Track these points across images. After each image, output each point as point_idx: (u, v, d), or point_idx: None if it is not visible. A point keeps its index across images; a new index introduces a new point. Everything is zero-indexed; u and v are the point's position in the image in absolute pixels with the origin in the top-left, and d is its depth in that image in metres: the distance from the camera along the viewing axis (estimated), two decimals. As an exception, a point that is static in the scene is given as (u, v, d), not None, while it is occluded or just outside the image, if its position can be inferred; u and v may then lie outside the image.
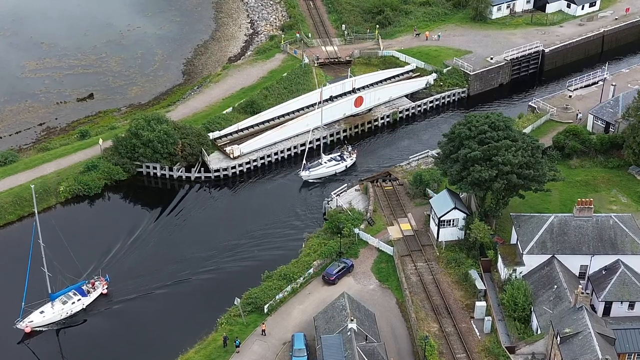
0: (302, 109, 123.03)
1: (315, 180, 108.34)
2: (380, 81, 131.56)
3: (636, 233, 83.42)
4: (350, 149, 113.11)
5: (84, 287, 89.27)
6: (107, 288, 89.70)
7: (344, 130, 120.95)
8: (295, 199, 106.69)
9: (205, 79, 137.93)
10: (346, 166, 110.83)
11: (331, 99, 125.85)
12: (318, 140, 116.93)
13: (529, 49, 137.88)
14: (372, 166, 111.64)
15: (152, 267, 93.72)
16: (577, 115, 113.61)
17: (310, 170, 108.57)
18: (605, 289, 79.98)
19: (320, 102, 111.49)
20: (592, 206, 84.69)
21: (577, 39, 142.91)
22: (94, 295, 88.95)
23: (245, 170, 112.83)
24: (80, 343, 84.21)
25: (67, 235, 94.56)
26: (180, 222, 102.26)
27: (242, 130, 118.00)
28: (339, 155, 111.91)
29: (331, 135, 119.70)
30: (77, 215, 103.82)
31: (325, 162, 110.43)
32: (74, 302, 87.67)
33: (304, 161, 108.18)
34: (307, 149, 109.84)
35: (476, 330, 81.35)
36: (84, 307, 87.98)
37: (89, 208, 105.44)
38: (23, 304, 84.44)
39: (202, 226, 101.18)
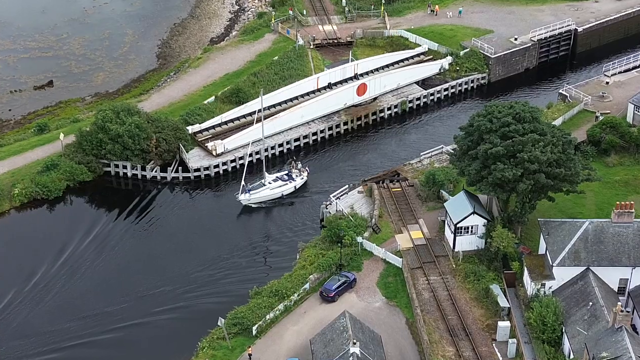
0: (297, 97, 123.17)
1: (257, 205, 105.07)
2: (387, 66, 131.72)
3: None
4: (300, 166, 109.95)
5: None
6: None
7: (345, 123, 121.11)
8: (287, 202, 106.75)
9: (183, 63, 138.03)
10: (295, 187, 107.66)
11: (330, 86, 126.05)
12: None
13: (559, 28, 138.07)
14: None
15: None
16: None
17: (251, 192, 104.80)
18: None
19: (261, 110, 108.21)
20: (633, 210, 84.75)
21: (615, 16, 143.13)
22: None
23: (230, 169, 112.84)
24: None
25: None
26: (152, 230, 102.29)
27: (226, 123, 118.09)
28: (286, 174, 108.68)
29: (330, 128, 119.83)
30: (33, 222, 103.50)
31: (270, 183, 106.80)
32: None
33: (243, 182, 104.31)
34: (246, 166, 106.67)
35: (499, 355, 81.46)
36: None
37: (48, 214, 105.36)
38: None
39: (179, 235, 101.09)
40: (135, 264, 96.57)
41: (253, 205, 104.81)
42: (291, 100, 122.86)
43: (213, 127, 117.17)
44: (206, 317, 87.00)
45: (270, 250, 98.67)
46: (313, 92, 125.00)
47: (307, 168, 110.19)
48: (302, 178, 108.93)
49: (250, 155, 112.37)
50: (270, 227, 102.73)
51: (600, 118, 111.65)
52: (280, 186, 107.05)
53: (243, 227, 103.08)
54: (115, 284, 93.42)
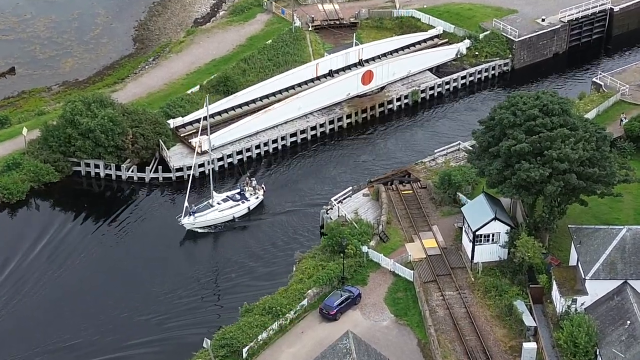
0: (293, 87, 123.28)
1: (203, 230, 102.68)
2: (396, 50, 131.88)
3: None
4: (254, 183, 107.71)
5: None
6: None
7: (348, 116, 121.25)
8: (281, 205, 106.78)
9: (163, 47, 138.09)
10: (249, 208, 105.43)
11: (331, 74, 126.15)
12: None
13: (592, 7, 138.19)
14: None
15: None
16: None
17: (196, 215, 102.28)
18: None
19: (206, 117, 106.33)
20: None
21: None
22: None
23: (217, 169, 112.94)
24: None
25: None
26: (123, 241, 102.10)
27: (212, 116, 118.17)
28: (238, 193, 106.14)
29: (331, 122, 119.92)
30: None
31: (219, 204, 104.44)
32: None
33: (186, 202, 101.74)
34: (190, 181, 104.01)
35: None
36: None
37: (9, 220, 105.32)
38: None
39: (156, 246, 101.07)
40: (95, 283, 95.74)
41: (198, 230, 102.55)
42: (287, 90, 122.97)
43: (198, 120, 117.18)
44: (191, 342, 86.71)
45: (262, 262, 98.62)
46: (312, 80, 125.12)
47: (263, 186, 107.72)
48: (257, 197, 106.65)
49: (240, 153, 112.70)
50: (260, 237, 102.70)
51: (625, 120, 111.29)
52: (231, 207, 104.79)
53: (233, 235, 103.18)
54: (75, 307, 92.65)
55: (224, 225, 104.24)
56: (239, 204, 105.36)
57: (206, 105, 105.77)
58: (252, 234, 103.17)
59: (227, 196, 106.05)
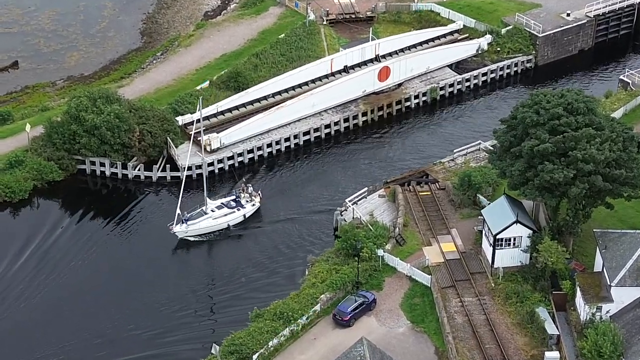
0: (307, 83, 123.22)
1: (196, 238, 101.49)
2: (414, 46, 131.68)
3: None
4: (250, 189, 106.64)
5: None
6: None
7: (364, 114, 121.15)
8: (293, 205, 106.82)
9: (172, 41, 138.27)
10: (244, 215, 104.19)
11: (346, 70, 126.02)
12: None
13: (620, 2, 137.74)
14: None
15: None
16: None
17: (189, 223, 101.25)
18: None
19: (199, 119, 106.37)
20: None
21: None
22: None
23: (227, 168, 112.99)
24: None
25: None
26: (127, 244, 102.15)
27: (222, 113, 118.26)
28: (233, 200, 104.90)
29: (346, 120, 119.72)
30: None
31: (213, 211, 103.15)
32: None
33: (178, 209, 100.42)
34: (183, 185, 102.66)
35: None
36: None
37: (12, 220, 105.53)
38: None
39: (163, 249, 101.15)
40: (96, 283, 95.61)
41: (191, 239, 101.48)
42: (300, 86, 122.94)
43: (207, 117, 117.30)
44: (188, 357, 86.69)
45: (273, 265, 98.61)
46: (326, 76, 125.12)
47: (259, 192, 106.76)
48: (254, 204, 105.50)
49: (250, 151, 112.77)
50: (270, 238, 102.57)
51: None
52: (225, 215, 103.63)
53: (229, 244, 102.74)
54: (75, 308, 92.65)
55: (219, 234, 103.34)
56: (234, 211, 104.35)
57: (199, 110, 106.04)
58: (253, 242, 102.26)
59: (222, 203, 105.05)
